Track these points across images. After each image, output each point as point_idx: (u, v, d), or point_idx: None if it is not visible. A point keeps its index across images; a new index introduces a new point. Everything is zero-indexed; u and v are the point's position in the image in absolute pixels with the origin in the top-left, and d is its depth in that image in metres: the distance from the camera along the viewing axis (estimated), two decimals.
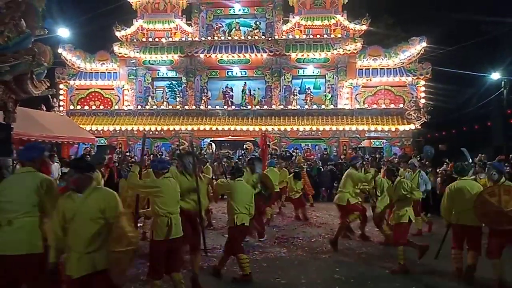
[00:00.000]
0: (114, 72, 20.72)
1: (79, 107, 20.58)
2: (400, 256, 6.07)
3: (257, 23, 20.86)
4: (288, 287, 5.58)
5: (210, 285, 5.49)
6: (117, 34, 20.34)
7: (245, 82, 20.52)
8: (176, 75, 20.97)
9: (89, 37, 23.36)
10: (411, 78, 19.11)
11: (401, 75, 19.08)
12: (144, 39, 20.47)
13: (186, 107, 19.93)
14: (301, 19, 19.92)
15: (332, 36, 19.47)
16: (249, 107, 19.78)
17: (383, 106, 19.13)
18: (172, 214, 4.73)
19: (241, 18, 21.02)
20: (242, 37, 20.23)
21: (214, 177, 11.19)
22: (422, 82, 19.09)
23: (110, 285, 3.44)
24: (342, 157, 17.40)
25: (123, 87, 20.51)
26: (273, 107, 19.56)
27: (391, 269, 6.15)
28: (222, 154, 16.86)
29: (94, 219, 3.45)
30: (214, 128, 18.88)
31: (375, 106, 19.16)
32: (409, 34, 19.67)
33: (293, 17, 20.13)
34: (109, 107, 20.49)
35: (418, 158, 13.24)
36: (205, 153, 15.32)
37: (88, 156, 12.57)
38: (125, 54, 19.99)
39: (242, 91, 20.41)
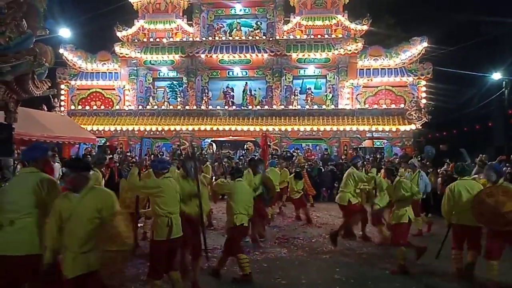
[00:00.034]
0: (115, 72, 20.74)
1: (80, 107, 20.61)
2: (400, 256, 6.08)
3: (258, 23, 20.87)
4: (288, 287, 5.59)
5: (210, 286, 5.50)
6: (118, 34, 20.37)
7: (246, 82, 20.53)
8: (177, 75, 20.99)
9: (90, 37, 23.42)
10: (412, 78, 19.10)
11: (402, 75, 19.07)
12: (145, 39, 20.50)
13: (187, 107, 19.95)
14: (302, 19, 19.92)
15: (333, 36, 19.47)
16: (250, 107, 19.79)
17: (384, 106, 19.12)
18: (172, 214, 4.74)
19: (242, 18, 21.03)
20: (243, 37, 20.24)
21: (214, 176, 11.21)
22: (423, 82, 19.08)
23: (105, 285, 3.45)
24: (342, 157, 17.41)
25: (124, 87, 20.54)
26: (274, 107, 19.56)
27: (391, 269, 6.15)
28: (223, 154, 16.87)
29: (90, 219, 3.45)
30: (215, 128, 18.90)
31: (376, 106, 19.15)
32: (410, 34, 19.66)
33: (294, 17, 20.14)
34: (110, 107, 20.52)
35: (419, 158, 13.24)
36: (206, 153, 15.32)
37: (89, 156, 12.61)
38: (126, 54, 20.02)
39: (243, 91, 20.41)
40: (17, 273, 3.60)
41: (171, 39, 20.46)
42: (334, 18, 19.66)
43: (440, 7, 28.08)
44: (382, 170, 8.91)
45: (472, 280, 5.56)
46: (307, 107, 19.47)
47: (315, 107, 19.44)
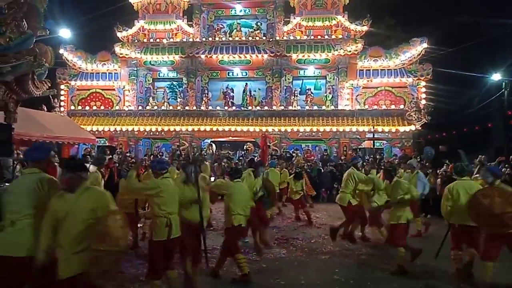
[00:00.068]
0: (115, 73, 20.76)
1: (80, 107, 20.62)
2: (399, 257, 6.08)
3: (258, 24, 20.89)
4: None
5: (209, 286, 5.50)
6: (118, 34, 20.38)
7: (247, 83, 20.54)
8: (177, 75, 21.01)
9: (90, 37, 23.42)
10: (411, 79, 19.12)
11: (401, 76, 19.09)
12: (145, 40, 20.52)
13: (186, 107, 19.95)
14: (302, 20, 19.94)
15: (333, 37, 19.49)
16: (250, 108, 19.80)
17: (384, 107, 19.14)
18: (171, 215, 4.75)
19: (242, 19, 21.05)
20: (243, 38, 20.26)
21: (213, 177, 11.20)
22: (423, 83, 19.10)
23: (94, 285, 3.39)
24: (342, 158, 17.42)
25: (124, 88, 20.56)
26: (274, 108, 19.58)
27: (390, 270, 6.15)
28: (223, 154, 16.91)
29: (85, 219, 3.45)
30: (214, 128, 18.91)
31: (375, 107, 19.16)
32: (410, 35, 19.69)
33: (294, 18, 20.16)
34: (110, 107, 20.53)
35: (419, 159, 13.25)
36: (205, 153, 15.32)
37: (88, 156, 12.61)
38: (126, 54, 20.04)
39: (244, 91, 20.42)
40: (18, 274, 3.59)
41: (171, 40, 20.47)
42: (334, 19, 19.68)
43: (440, 8, 28.11)
44: (381, 171, 8.91)
45: (471, 280, 5.56)
46: (307, 107, 19.49)
47: (315, 107, 19.46)
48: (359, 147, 18.51)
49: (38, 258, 3.46)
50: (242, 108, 19.81)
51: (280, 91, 19.96)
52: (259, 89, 20.64)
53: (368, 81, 19.42)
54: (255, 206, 6.62)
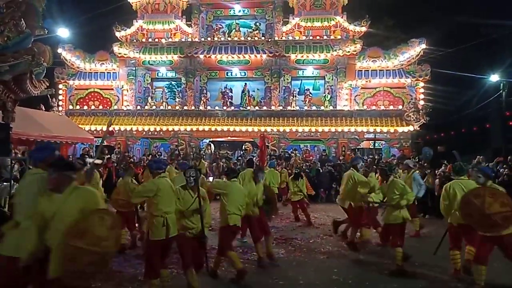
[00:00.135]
0: (113, 72, 20.73)
1: (78, 107, 20.58)
2: (398, 257, 6.09)
3: (257, 24, 20.90)
4: None
5: (208, 286, 5.50)
6: (117, 34, 20.35)
7: (246, 83, 20.53)
8: (175, 75, 20.98)
9: (89, 37, 23.39)
10: (410, 80, 19.15)
11: (400, 77, 19.12)
12: (144, 40, 20.48)
13: (185, 107, 19.93)
14: (301, 20, 19.95)
15: (332, 37, 19.49)
16: (248, 108, 19.80)
17: (382, 107, 19.16)
18: (167, 214, 4.77)
19: (241, 19, 21.05)
20: (242, 38, 20.25)
21: (212, 177, 11.20)
22: (421, 84, 19.13)
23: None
24: (341, 158, 17.42)
25: (122, 87, 20.52)
26: (272, 108, 19.58)
27: (389, 270, 6.16)
28: (221, 154, 16.90)
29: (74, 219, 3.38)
30: (213, 128, 18.89)
31: (374, 107, 19.18)
32: (408, 35, 19.74)
33: (293, 18, 20.17)
34: (108, 107, 20.49)
35: (417, 160, 13.28)
36: (204, 153, 15.34)
37: (87, 156, 12.60)
38: (124, 54, 20.00)
39: (242, 92, 20.42)
40: (23, 274, 3.57)
41: (170, 40, 20.45)
42: (333, 20, 19.69)
43: (439, 8, 28.17)
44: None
45: (470, 280, 5.56)
46: (306, 108, 19.50)
47: (314, 108, 19.47)
48: (358, 147, 18.54)
49: (22, 258, 3.41)
50: (241, 108, 19.80)
51: (279, 91, 19.96)
52: (257, 89, 20.63)
53: (366, 81, 19.45)
54: (258, 215, 6.51)
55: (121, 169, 12.21)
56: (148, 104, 20.41)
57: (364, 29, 19.44)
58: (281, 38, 19.85)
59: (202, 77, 20.71)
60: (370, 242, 7.85)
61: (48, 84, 7.94)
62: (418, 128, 18.34)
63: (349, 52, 18.99)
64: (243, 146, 18.05)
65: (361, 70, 19.41)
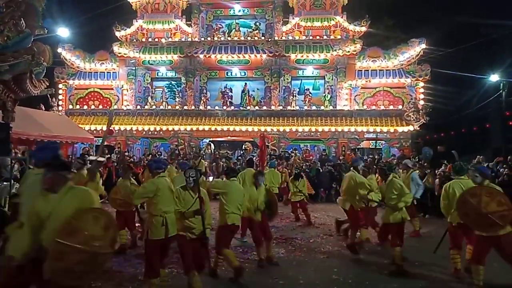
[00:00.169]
0: (113, 72, 20.73)
1: (78, 106, 20.58)
2: (397, 257, 6.09)
3: (257, 24, 20.90)
4: (286, 287, 5.58)
5: (208, 286, 5.49)
6: (117, 34, 20.35)
7: (246, 83, 20.54)
8: (175, 75, 20.98)
9: (89, 37, 23.38)
10: (410, 80, 19.15)
11: (400, 77, 19.12)
12: (143, 39, 20.48)
13: (185, 107, 19.93)
14: (301, 20, 19.95)
15: (332, 37, 19.50)
16: (248, 107, 19.79)
17: (382, 107, 19.16)
18: (167, 214, 4.77)
19: (241, 18, 21.05)
20: (242, 38, 20.25)
21: (212, 176, 11.19)
22: (421, 84, 19.14)
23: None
24: (340, 158, 17.43)
25: (122, 87, 20.52)
26: (272, 107, 19.58)
27: (389, 270, 6.15)
28: (221, 154, 16.90)
29: None
30: (213, 128, 18.90)
31: (374, 107, 19.18)
32: (408, 35, 19.74)
33: (293, 18, 20.17)
34: (108, 107, 20.49)
35: (417, 159, 13.28)
36: (204, 153, 15.34)
37: (87, 155, 12.59)
38: (124, 54, 20.00)
39: (243, 91, 20.42)
40: (26, 275, 3.57)
41: (169, 39, 20.45)
42: (333, 19, 19.70)
43: (439, 8, 28.17)
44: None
45: (471, 280, 5.57)
46: (306, 108, 19.50)
47: (314, 108, 19.47)
48: (358, 147, 18.55)
49: (15, 257, 3.38)
50: (241, 108, 19.80)
51: (279, 91, 19.96)
52: (257, 89, 20.64)
53: (366, 81, 19.45)
54: (260, 219, 6.47)
55: (120, 168, 12.20)
56: (148, 103, 20.41)
57: (364, 29, 19.45)
58: (281, 38, 19.85)
59: (202, 76, 20.71)
60: (370, 242, 7.86)
61: (48, 84, 7.94)
62: (418, 128, 18.35)
63: (349, 52, 18.99)
64: (243, 146, 18.05)
65: (361, 70, 19.42)
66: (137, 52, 19.86)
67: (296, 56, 19.61)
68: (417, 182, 8.67)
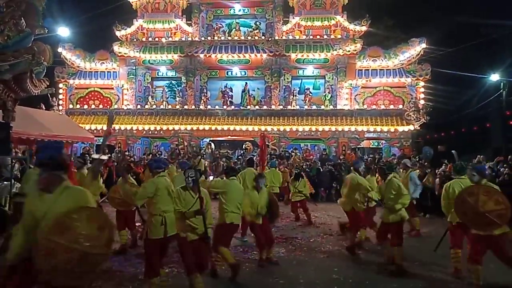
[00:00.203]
0: (113, 72, 20.73)
1: (78, 106, 20.59)
2: (398, 256, 6.08)
3: (257, 23, 20.89)
4: (286, 287, 5.58)
5: (208, 285, 5.49)
6: (117, 33, 20.35)
7: (247, 82, 20.54)
8: (175, 74, 20.99)
9: (89, 36, 23.38)
10: (410, 79, 19.15)
11: (400, 76, 19.12)
12: (144, 39, 20.49)
13: (185, 106, 19.93)
14: (301, 20, 19.94)
15: (332, 37, 19.50)
16: (249, 107, 19.80)
17: (383, 107, 19.16)
18: (166, 213, 4.77)
19: (241, 18, 21.05)
20: (242, 37, 20.25)
21: (212, 176, 11.18)
22: (422, 83, 19.13)
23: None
24: (341, 157, 17.43)
25: (122, 87, 20.53)
26: (273, 107, 19.58)
27: (389, 269, 6.15)
28: (221, 154, 16.89)
29: None
30: (213, 128, 18.90)
31: (374, 106, 19.18)
32: (408, 35, 19.72)
33: (293, 18, 20.16)
34: (108, 106, 20.50)
35: (417, 159, 13.28)
36: (204, 152, 15.32)
37: (87, 155, 12.59)
38: (125, 53, 20.00)
39: (243, 91, 20.42)
40: (8, 274, 3.57)
41: (170, 39, 20.45)
42: (333, 19, 19.69)
43: (439, 8, 28.15)
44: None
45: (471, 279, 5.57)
46: (306, 107, 19.50)
47: (314, 107, 19.47)
48: (358, 146, 18.54)
49: (8, 258, 3.36)
50: (241, 108, 19.80)
51: (279, 91, 19.96)
52: (258, 88, 20.64)
53: (367, 81, 19.44)
54: (262, 222, 6.44)
55: (120, 168, 12.21)
56: (148, 103, 20.41)
57: (364, 28, 19.45)
58: (281, 38, 19.84)
59: (202, 76, 20.71)
60: (370, 241, 7.86)
61: (48, 83, 7.94)
62: (419, 128, 18.35)
63: (349, 51, 18.98)
64: (244, 145, 18.04)
65: (361, 70, 19.42)
66: (137, 51, 19.86)
67: (296, 55, 19.60)
68: (415, 182, 8.68)
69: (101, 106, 20.51)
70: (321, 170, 15.44)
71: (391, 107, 19.06)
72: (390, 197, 6.23)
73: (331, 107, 19.38)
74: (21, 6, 6.89)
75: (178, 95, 20.52)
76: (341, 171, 14.34)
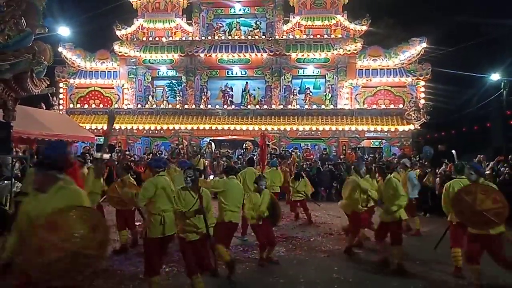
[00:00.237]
0: (114, 71, 20.74)
1: (78, 105, 20.61)
2: (398, 255, 6.09)
3: (258, 23, 20.89)
4: (287, 286, 5.58)
5: (208, 285, 5.49)
6: (118, 33, 20.36)
7: (247, 82, 20.54)
8: (176, 74, 20.99)
9: (90, 36, 23.40)
10: (411, 79, 19.14)
11: (401, 76, 19.12)
12: (144, 38, 20.50)
13: (186, 106, 19.94)
14: (302, 19, 19.94)
15: (332, 36, 19.50)
16: (249, 106, 19.80)
17: (383, 106, 19.16)
18: (165, 212, 4.78)
19: (241, 17, 21.05)
20: (243, 37, 20.25)
21: (213, 175, 11.17)
22: (422, 83, 19.13)
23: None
24: (341, 157, 17.43)
25: (123, 86, 20.54)
26: (273, 106, 19.58)
27: (390, 268, 6.15)
28: (222, 153, 16.90)
29: None
30: (213, 127, 18.91)
31: (374, 106, 19.18)
32: (409, 34, 19.70)
33: (294, 17, 20.17)
34: (109, 106, 20.52)
35: (417, 158, 13.28)
36: (204, 152, 15.32)
37: (87, 154, 12.60)
38: (125, 53, 20.01)
39: (243, 90, 20.42)
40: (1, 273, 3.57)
41: (170, 38, 20.45)
42: (334, 18, 19.69)
43: (440, 8, 28.14)
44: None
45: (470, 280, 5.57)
46: (306, 107, 19.49)
47: (314, 107, 19.47)
48: (358, 146, 18.54)
49: (2, 257, 3.34)
50: (241, 107, 19.81)
51: (280, 90, 19.97)
52: (258, 88, 20.65)
53: (367, 80, 19.44)
54: (262, 223, 6.42)
55: (121, 168, 12.21)
56: (148, 102, 20.42)
57: (364, 28, 19.45)
58: (282, 37, 19.84)
59: (202, 75, 20.72)
60: (371, 241, 7.85)
61: (48, 83, 7.95)
62: (419, 127, 18.35)
63: (349, 51, 18.98)
64: (244, 145, 18.01)
65: (362, 69, 19.41)
66: (137, 51, 19.87)
67: (296, 55, 19.60)
68: (412, 182, 8.69)
69: (101, 106, 20.53)
70: (322, 169, 15.44)
71: (392, 106, 19.06)
72: (389, 196, 6.23)
73: (332, 106, 19.38)
74: (22, 6, 6.89)
75: (178, 94, 20.53)
76: (341, 170, 14.34)
